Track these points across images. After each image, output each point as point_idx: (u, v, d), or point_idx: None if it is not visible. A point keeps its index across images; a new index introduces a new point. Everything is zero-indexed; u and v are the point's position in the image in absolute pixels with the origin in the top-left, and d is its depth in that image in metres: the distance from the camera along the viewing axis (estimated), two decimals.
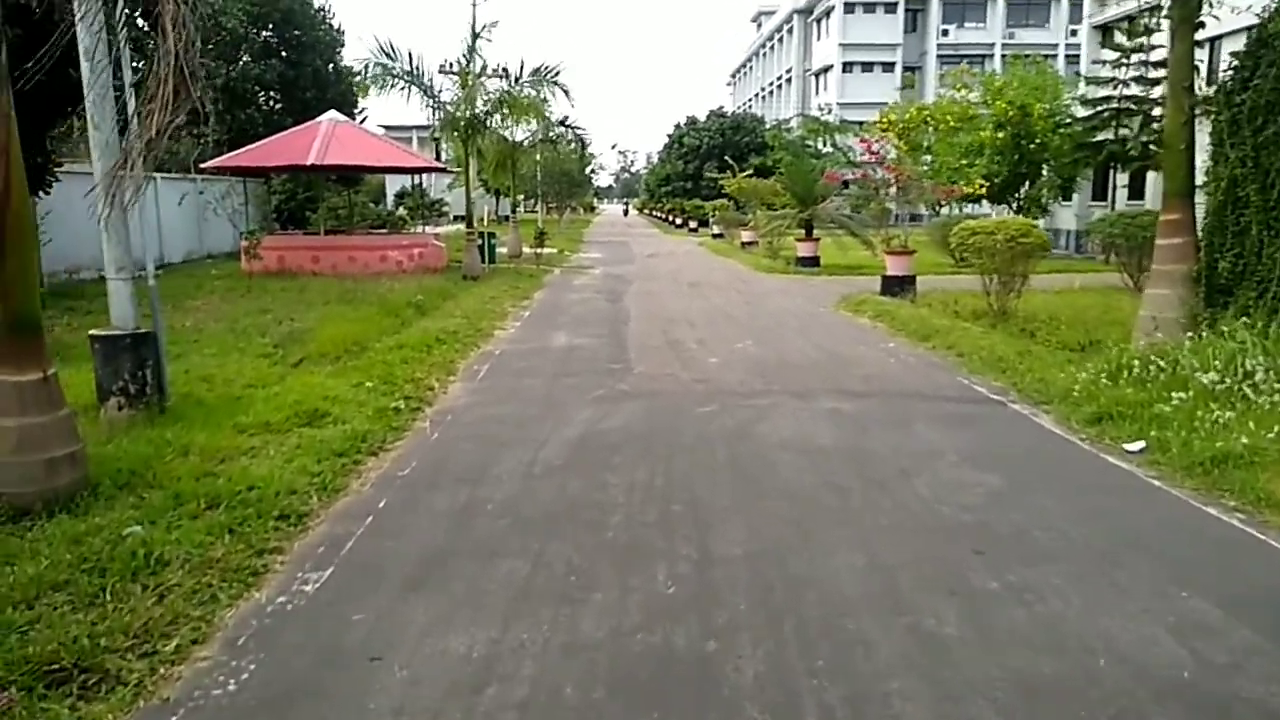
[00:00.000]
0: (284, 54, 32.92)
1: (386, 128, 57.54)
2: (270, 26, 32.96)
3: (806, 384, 9.44)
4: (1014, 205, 27.60)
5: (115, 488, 5.58)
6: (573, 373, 10.24)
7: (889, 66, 63.45)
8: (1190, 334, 8.77)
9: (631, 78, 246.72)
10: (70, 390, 7.95)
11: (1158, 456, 6.76)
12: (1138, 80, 24.16)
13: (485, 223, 39.52)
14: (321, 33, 34.31)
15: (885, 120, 38.57)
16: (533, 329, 13.74)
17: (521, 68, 20.95)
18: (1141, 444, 7.04)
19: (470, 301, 16.32)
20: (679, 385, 9.49)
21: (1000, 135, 26.40)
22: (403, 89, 20.97)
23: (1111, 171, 27.94)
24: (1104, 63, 25.26)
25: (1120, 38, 24.55)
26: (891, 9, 62.78)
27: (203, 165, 24.93)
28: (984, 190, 24.79)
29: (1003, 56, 45.18)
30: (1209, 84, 13.82)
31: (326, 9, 35.26)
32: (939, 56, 61.06)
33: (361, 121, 44.25)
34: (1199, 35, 10.18)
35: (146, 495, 5.50)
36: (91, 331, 7.66)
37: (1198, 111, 9.55)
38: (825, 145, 53.29)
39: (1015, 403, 8.64)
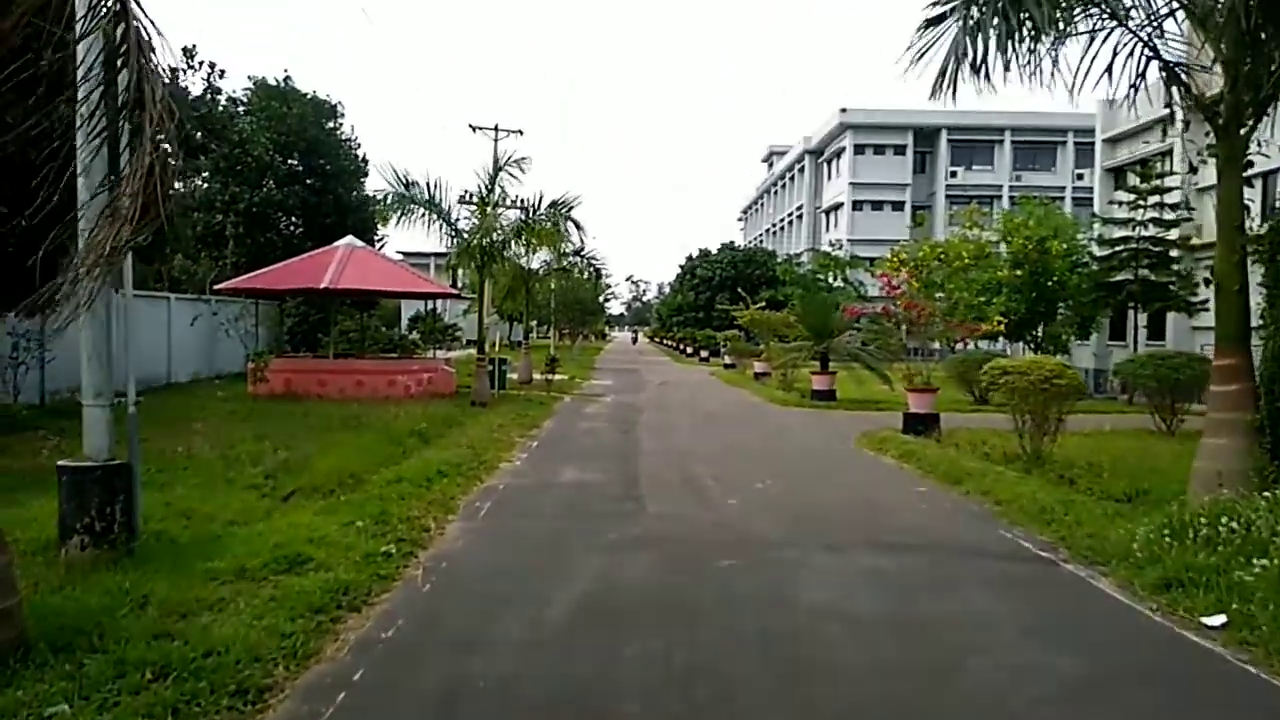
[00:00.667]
0: (308, 181, 33.52)
1: (404, 254, 58.51)
2: (296, 154, 33.65)
3: (837, 533, 8.67)
4: (1031, 343, 27.23)
5: (52, 651, 4.81)
6: (581, 513, 9.51)
7: (898, 205, 64.57)
8: (1264, 492, 8.01)
9: (645, 210, 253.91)
10: (34, 526, 7.31)
11: (1244, 634, 5.93)
12: (1155, 222, 24.14)
13: (497, 348, 39.34)
14: (346, 162, 35.03)
15: (897, 257, 38.92)
16: (540, 461, 13.06)
17: (540, 199, 21.06)
18: (1223, 618, 6.21)
19: (477, 430, 15.70)
20: (697, 531, 8.73)
21: (1019, 273, 26.25)
22: (422, 216, 21.02)
23: (1131, 311, 27.68)
24: (1120, 203, 25.31)
25: (1134, 179, 24.66)
26: (901, 151, 64.38)
27: (217, 286, 24.92)
28: (1002, 328, 24.48)
29: (1010, 198, 45.93)
30: (1262, 220, 13.48)
31: (353, 139, 36.13)
32: (948, 196, 62.14)
33: (380, 248, 44.96)
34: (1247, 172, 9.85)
35: (87, 661, 4.73)
36: (60, 462, 7.02)
37: (1249, 250, 9.08)
38: (836, 279, 53.94)
39: (1068, 562, 7.83)
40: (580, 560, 7.56)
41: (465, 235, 20.72)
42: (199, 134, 27.63)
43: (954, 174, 63.60)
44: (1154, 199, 24.10)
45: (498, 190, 20.53)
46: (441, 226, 21.03)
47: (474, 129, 34.87)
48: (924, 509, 10.04)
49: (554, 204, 20.68)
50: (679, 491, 10.76)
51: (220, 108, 30.62)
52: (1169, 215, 24.35)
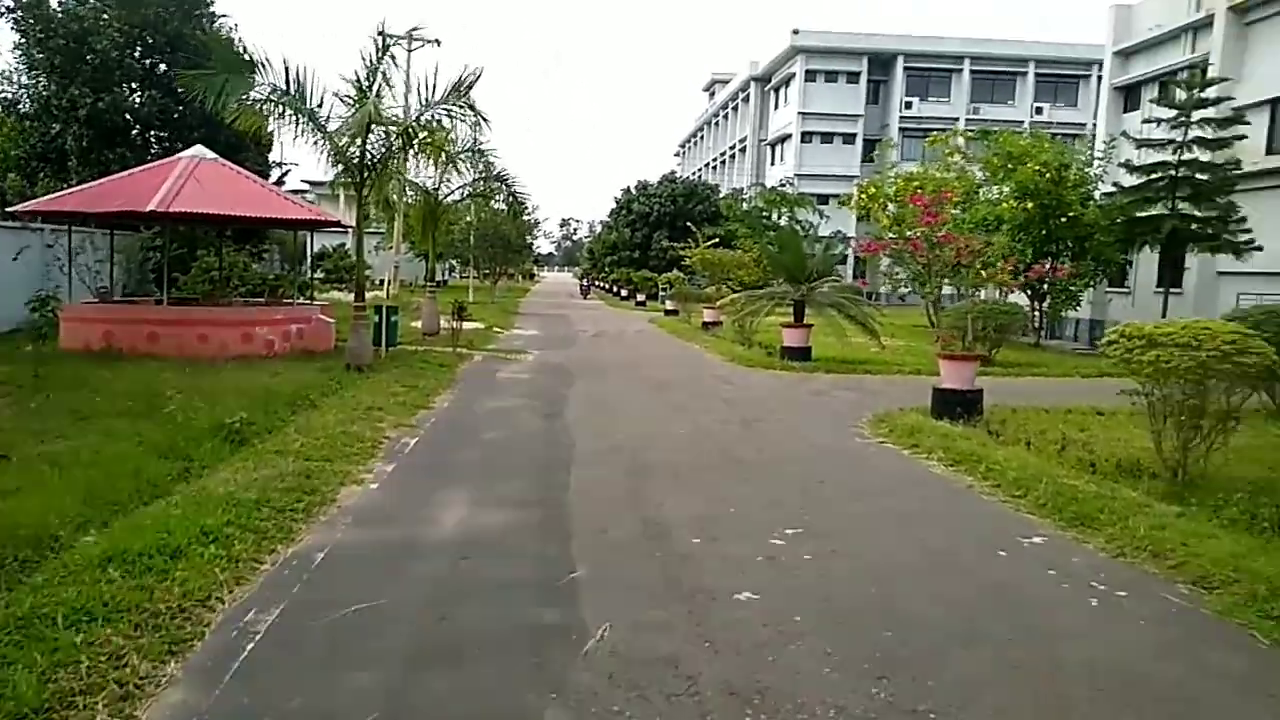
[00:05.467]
0: (171, 85, 27.20)
1: (311, 183, 51.77)
2: (155, 53, 27.38)
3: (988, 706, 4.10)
4: (1038, 291, 23.10)
5: None
6: (453, 653, 4.73)
7: (850, 138, 60.38)
8: None
9: (574, 145, 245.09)
10: None
11: None
12: (1199, 142, 19.95)
13: (390, 290, 33.80)
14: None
15: (865, 192, 34.44)
16: (410, 485, 8.17)
17: (433, 83, 15.67)
18: None
19: (333, 416, 10.73)
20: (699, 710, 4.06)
21: (1028, 206, 21.90)
22: (281, 115, 15.59)
23: (1145, 253, 23.71)
24: (1156, 121, 21.00)
25: (1180, 93, 20.35)
26: (854, 79, 59.91)
27: (10, 209, 19.11)
28: (1009, 274, 20.24)
29: (966, 133, 42.08)
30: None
31: (233, 36, 29.56)
32: (901, 129, 58.13)
33: (283, 175, 38.61)
34: None
35: None
36: None
37: None
38: (782, 218, 49.51)
39: None
40: None
41: (336, 141, 15.35)
42: None
43: (909, 104, 59.55)
44: (1199, 114, 19.85)
45: (380, 75, 15.10)
46: (310, 131, 15.62)
47: (384, 37, 28.93)
48: (1094, 608, 5.48)
49: (456, 86, 15.32)
50: (642, 567, 6.04)
51: None
52: (1213, 134, 20.19)
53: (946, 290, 23.50)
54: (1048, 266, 21.66)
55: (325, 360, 16.04)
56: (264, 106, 15.45)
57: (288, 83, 14.94)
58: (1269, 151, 22.06)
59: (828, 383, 16.22)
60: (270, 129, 16.88)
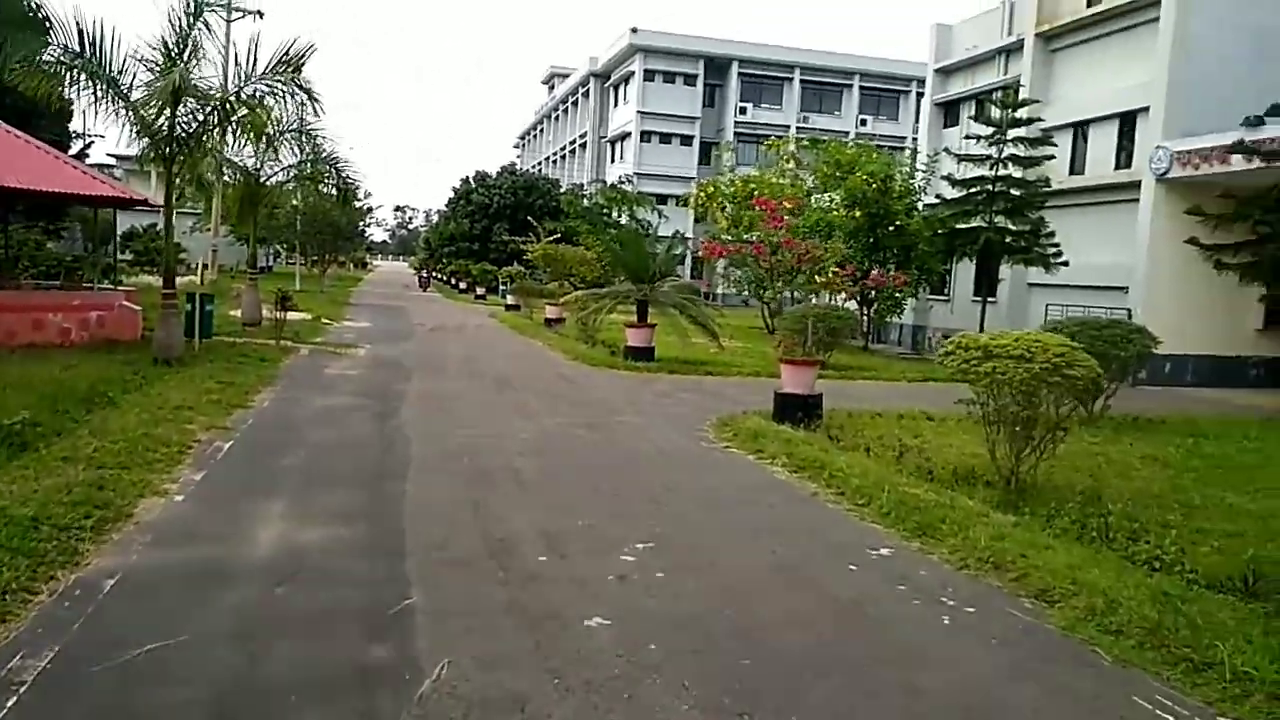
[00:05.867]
0: None
1: (119, 158, 47.39)
2: None
3: None
4: (866, 297, 23.95)
5: None
6: (262, 704, 4.14)
7: (688, 139, 61.31)
8: None
9: (414, 133, 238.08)
10: None
11: None
12: (1014, 160, 21.20)
13: (204, 276, 31.50)
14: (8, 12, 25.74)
15: (705, 190, 34.90)
16: (221, 497, 7.33)
17: (253, 54, 14.43)
18: None
19: (134, 416, 9.62)
20: None
21: (857, 214, 22.69)
22: (76, 80, 13.93)
23: (961, 262, 25.07)
24: (977, 138, 22.17)
25: (995, 110, 21.55)
26: (692, 81, 60.83)
27: None
28: (838, 279, 20.84)
29: (798, 140, 43.52)
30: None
31: None
32: (737, 134, 59.52)
33: (85, 148, 34.99)
34: None
35: None
36: None
37: None
38: (622, 215, 49.67)
39: None
40: None
41: (141, 111, 13.88)
42: None
43: (744, 110, 61.02)
44: (1013, 133, 21.10)
45: (191, 43, 13.74)
46: (110, 98, 14.04)
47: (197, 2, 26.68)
48: (946, 625, 5.47)
49: (283, 61, 14.13)
50: (484, 590, 5.58)
51: None
52: (1024, 153, 21.52)
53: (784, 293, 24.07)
54: (879, 272, 22.52)
55: (129, 352, 14.56)
56: (56, 69, 13.80)
57: (82, 44, 13.37)
58: (1071, 172, 23.79)
59: (671, 384, 16.14)
60: (69, 96, 15.12)
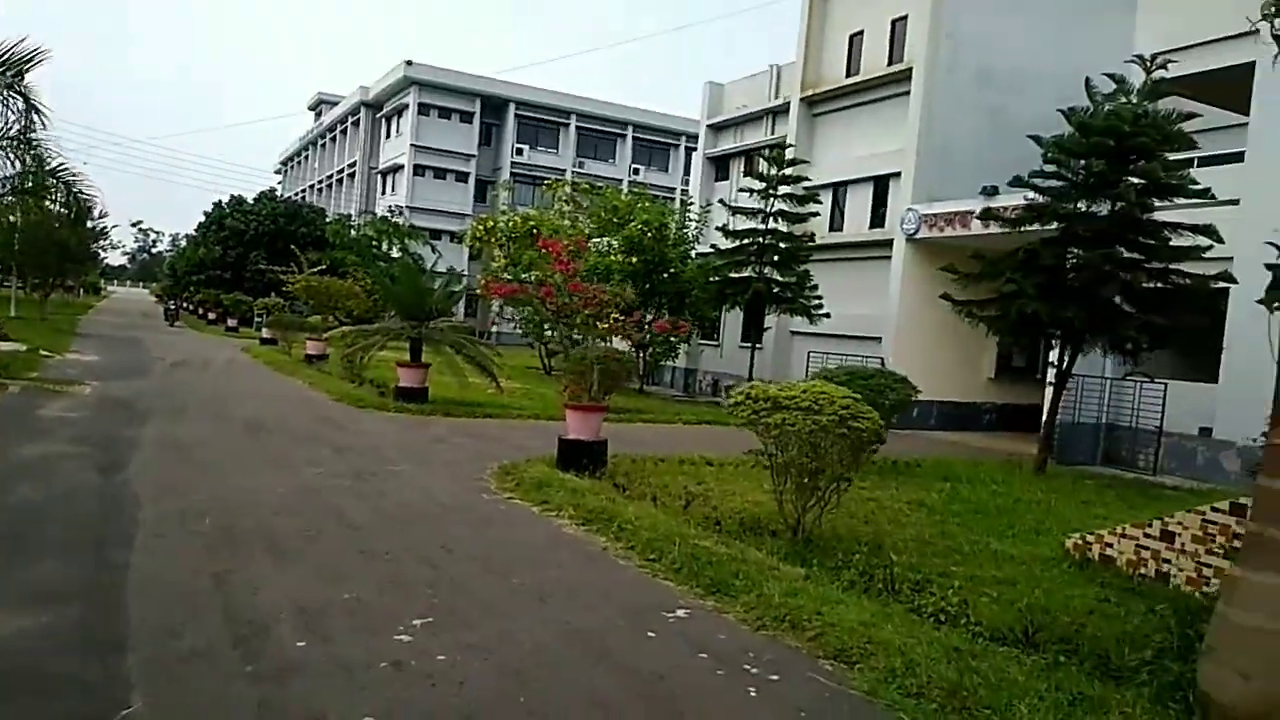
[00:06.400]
0: None
1: None
2: None
3: None
4: (640, 341, 24.19)
5: None
6: None
7: (463, 176, 60.58)
8: None
9: (162, 151, 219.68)
10: None
11: None
12: (783, 215, 22.23)
13: None
14: None
15: (484, 225, 34.24)
16: None
17: None
18: None
19: None
20: None
21: (634, 260, 22.93)
22: None
23: (731, 310, 25.97)
24: (750, 192, 23.08)
25: (768, 167, 22.55)
26: (468, 119, 60.26)
27: None
28: (626, 324, 20.91)
29: (573, 184, 44.06)
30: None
31: None
32: (513, 174, 59.43)
33: None
34: None
35: None
36: None
37: None
38: (393, 249, 48.02)
39: None
40: None
41: None
42: None
43: (520, 151, 61.13)
44: (782, 189, 22.16)
45: None
46: None
47: None
48: (760, 705, 5.16)
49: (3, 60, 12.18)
50: (226, 692, 4.66)
51: None
52: (791, 208, 22.67)
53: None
54: (653, 318, 22.85)
55: None
56: None
57: None
58: (831, 228, 25.37)
59: (447, 427, 15.29)
60: None
